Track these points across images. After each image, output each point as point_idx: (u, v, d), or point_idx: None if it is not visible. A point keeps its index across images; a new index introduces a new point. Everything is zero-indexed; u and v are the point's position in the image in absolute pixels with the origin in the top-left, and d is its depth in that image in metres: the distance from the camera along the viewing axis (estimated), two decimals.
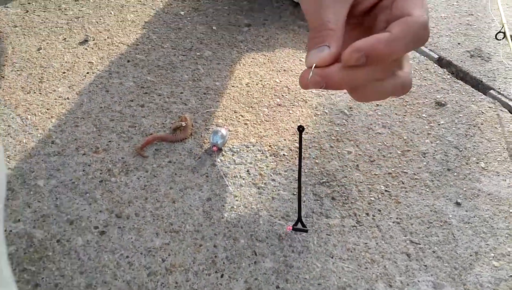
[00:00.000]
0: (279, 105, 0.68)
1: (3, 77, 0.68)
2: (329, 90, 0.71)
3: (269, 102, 0.69)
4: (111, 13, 0.85)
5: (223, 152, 0.59)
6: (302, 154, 0.60)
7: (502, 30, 0.82)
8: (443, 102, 0.71)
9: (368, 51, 0.25)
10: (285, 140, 0.62)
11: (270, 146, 0.61)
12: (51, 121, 0.61)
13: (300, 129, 0.43)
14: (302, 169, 0.57)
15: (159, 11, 0.87)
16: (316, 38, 0.28)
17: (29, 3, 0.85)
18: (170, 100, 0.67)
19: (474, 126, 0.67)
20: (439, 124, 0.67)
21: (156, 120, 0.63)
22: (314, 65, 0.27)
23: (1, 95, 0.64)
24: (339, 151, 0.61)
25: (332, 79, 0.27)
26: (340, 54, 0.27)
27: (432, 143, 0.63)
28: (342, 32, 0.28)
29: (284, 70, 0.76)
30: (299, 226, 0.45)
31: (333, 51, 0.27)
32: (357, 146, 0.62)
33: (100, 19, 0.82)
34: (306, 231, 0.50)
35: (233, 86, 0.71)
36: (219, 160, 0.58)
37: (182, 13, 0.88)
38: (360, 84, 0.28)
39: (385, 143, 0.63)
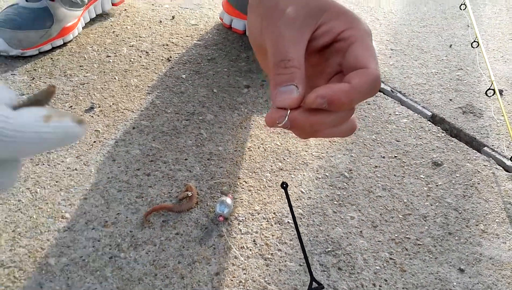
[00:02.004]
0: (281, 169, 0.70)
1: None
2: (327, 152, 0.74)
3: (271, 166, 0.71)
4: (115, 78, 0.88)
5: (229, 221, 0.60)
6: (307, 220, 0.62)
7: (492, 87, 0.86)
8: (439, 162, 0.73)
9: (330, 99, 0.27)
10: (287, 206, 0.63)
11: (274, 213, 0.62)
12: (60, 194, 0.62)
13: (284, 186, 0.44)
14: (308, 237, 0.59)
15: (161, 75, 0.90)
16: (283, 75, 0.28)
17: (34, 70, 0.88)
18: (176, 168, 0.69)
19: (471, 186, 0.69)
20: (437, 185, 0.69)
21: (162, 189, 0.64)
22: (289, 111, 0.28)
23: None
24: (342, 217, 0.62)
25: (296, 121, 0.29)
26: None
27: (432, 205, 0.65)
28: (304, 70, 0.29)
29: (284, 132, 0.78)
30: (314, 285, 0.45)
31: (301, 93, 0.28)
32: (359, 210, 0.64)
33: (105, 85, 0.85)
34: (323, 287, 0.51)
35: (235, 151, 0.73)
36: (225, 230, 0.59)
37: (183, 76, 0.91)
38: (318, 128, 0.29)
39: (386, 207, 0.64)
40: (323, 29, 0.30)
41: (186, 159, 0.71)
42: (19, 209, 0.60)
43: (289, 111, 0.29)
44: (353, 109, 0.31)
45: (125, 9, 1.15)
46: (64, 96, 0.81)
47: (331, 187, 0.67)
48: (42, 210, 0.60)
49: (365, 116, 0.85)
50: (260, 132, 0.78)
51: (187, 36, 1.07)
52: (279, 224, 0.61)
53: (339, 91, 0.28)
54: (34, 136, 0.22)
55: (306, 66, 0.32)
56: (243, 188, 0.66)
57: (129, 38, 1.03)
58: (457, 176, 0.71)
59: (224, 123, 0.79)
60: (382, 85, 0.94)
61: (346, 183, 0.69)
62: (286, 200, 0.62)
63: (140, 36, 1.04)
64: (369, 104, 0.88)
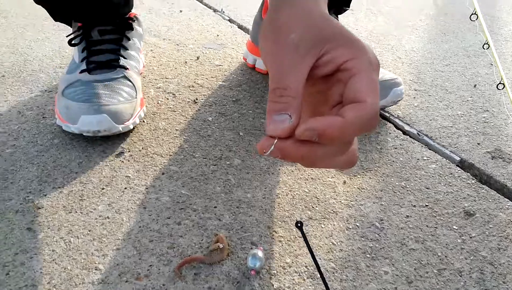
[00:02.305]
0: (310, 218, 0.70)
1: (46, 195, 0.71)
2: (357, 200, 0.73)
3: (301, 215, 0.70)
4: (144, 121, 0.90)
5: (260, 275, 0.60)
6: (340, 275, 0.61)
7: None
8: (471, 212, 0.72)
9: (320, 132, 0.27)
10: (320, 259, 0.63)
11: (306, 266, 0.62)
12: (93, 243, 0.63)
13: (298, 225, 0.43)
14: None
15: (188, 118, 0.92)
16: (278, 104, 0.29)
17: None
18: (205, 216, 0.69)
19: (505, 238, 0.68)
20: (471, 237, 0.68)
21: (193, 240, 0.65)
22: (276, 140, 0.28)
23: (44, 216, 0.67)
24: (375, 272, 0.61)
25: (285, 151, 0.28)
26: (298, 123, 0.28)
27: (466, 259, 0.64)
28: (301, 98, 0.29)
29: (312, 178, 0.78)
30: None
31: (294, 124, 0.28)
32: (393, 264, 0.63)
33: (134, 129, 0.87)
34: None
35: (264, 198, 0.73)
36: (257, 285, 0.59)
37: (210, 118, 0.92)
38: (312, 159, 0.29)
39: (420, 261, 0.63)
40: (327, 57, 0.30)
41: (215, 207, 0.71)
42: (53, 260, 0.60)
43: (276, 141, 0.28)
44: (351, 142, 0.31)
45: (151, 50, 1.18)
46: (96, 140, 0.83)
47: (362, 239, 0.67)
48: (76, 261, 0.60)
49: (393, 161, 0.84)
50: (287, 178, 0.78)
51: (212, 77, 1.09)
52: (312, 278, 0.60)
53: (331, 124, 0.28)
54: None
55: (311, 92, 0.31)
56: (273, 238, 0.66)
57: (156, 79, 1.05)
58: (490, 227, 0.70)
59: (251, 169, 0.79)
60: (408, 128, 0.94)
61: (378, 234, 0.68)
62: (323, 256, 0.62)
63: (166, 78, 1.07)
64: (396, 148, 0.88)
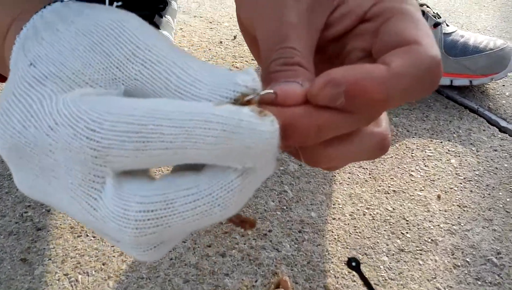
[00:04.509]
0: (402, 250, 0.51)
1: (48, 211, 0.54)
2: (459, 223, 0.54)
3: (387, 244, 0.52)
4: None
5: None
6: None
7: None
8: None
9: (351, 87, 0.17)
10: None
11: None
12: (109, 284, 0.46)
13: (353, 265, 0.34)
14: None
15: None
16: (283, 72, 0.20)
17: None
18: (258, 244, 0.51)
19: None
20: None
21: (243, 280, 0.47)
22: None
23: (45, 241, 0.50)
24: None
25: (297, 122, 0.18)
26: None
27: None
28: (313, 69, 0.21)
29: (394, 191, 0.59)
30: None
31: (307, 89, 0.19)
32: None
33: None
34: None
35: (334, 219, 0.55)
36: None
37: None
38: (328, 136, 0.19)
39: None
40: (343, 9, 0.22)
41: (270, 231, 0.53)
42: None
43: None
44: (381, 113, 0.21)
45: (181, 28, 1.00)
46: None
47: (478, 281, 0.48)
48: None
49: (496, 167, 0.64)
50: (361, 191, 0.59)
51: (253, 59, 0.90)
52: None
53: (368, 74, 0.18)
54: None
55: (316, 62, 0.22)
56: (354, 281, 0.48)
57: None
58: None
59: (312, 177, 0.61)
60: (504, 124, 0.73)
61: (498, 274, 0.49)
62: None
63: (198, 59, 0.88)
64: (496, 151, 0.68)
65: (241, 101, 0.18)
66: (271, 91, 0.18)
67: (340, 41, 0.23)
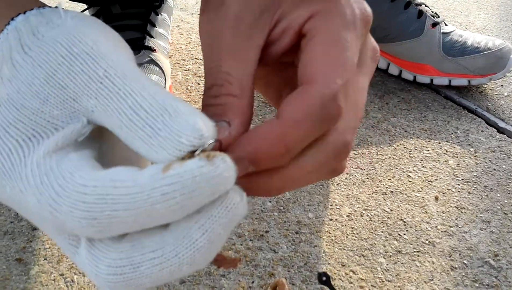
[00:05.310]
0: (399, 251, 0.51)
1: None
2: (457, 225, 0.54)
3: (384, 246, 0.52)
4: None
5: None
6: None
7: None
8: None
9: (253, 158, 0.18)
10: None
11: None
12: None
13: (323, 279, 0.35)
14: None
15: None
16: (212, 107, 0.20)
17: None
18: (254, 245, 0.51)
19: None
20: None
21: (239, 281, 0.47)
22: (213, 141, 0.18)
23: (40, 241, 0.50)
24: None
25: (249, 188, 0.19)
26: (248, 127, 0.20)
27: None
28: (251, 94, 0.21)
29: (391, 192, 0.59)
30: None
31: (233, 133, 0.20)
32: None
33: None
34: None
35: (331, 220, 0.55)
36: None
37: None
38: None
39: None
40: (282, 24, 0.21)
41: (267, 232, 0.53)
42: None
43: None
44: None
45: (178, 25, 1.00)
46: None
47: (475, 284, 0.48)
48: None
49: (494, 169, 0.64)
50: (359, 191, 0.59)
51: None
52: None
53: (263, 136, 0.19)
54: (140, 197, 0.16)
55: (271, 71, 0.24)
56: (351, 282, 0.47)
57: (184, 60, 0.87)
58: None
59: None
60: (503, 124, 0.73)
61: (495, 277, 0.49)
62: None
63: (196, 58, 0.88)
64: (494, 152, 0.67)
65: (187, 155, 0.17)
66: (213, 141, 0.18)
67: (289, 54, 0.23)
